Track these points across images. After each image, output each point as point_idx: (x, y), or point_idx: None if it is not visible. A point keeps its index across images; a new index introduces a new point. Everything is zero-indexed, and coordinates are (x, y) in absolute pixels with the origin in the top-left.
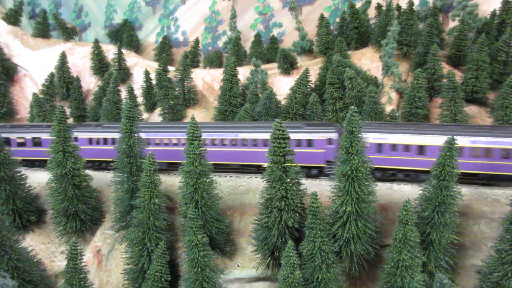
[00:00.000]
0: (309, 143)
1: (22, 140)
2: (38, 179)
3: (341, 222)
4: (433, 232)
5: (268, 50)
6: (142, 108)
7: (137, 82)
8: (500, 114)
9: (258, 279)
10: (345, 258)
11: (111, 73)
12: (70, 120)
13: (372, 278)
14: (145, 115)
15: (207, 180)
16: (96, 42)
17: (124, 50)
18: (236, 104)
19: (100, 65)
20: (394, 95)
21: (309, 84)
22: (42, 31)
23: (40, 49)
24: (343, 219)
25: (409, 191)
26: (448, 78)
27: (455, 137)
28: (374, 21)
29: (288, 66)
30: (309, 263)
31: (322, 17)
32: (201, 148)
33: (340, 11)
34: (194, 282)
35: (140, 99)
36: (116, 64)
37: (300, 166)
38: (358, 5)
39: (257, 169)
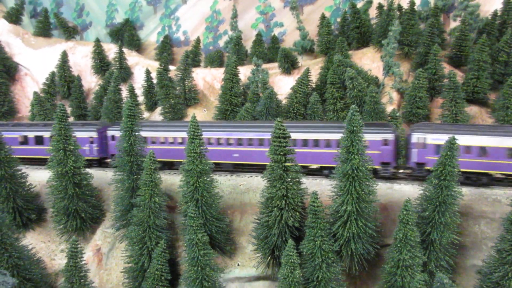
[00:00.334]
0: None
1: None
2: (38, 178)
3: (342, 221)
4: (433, 232)
5: (269, 49)
6: (143, 107)
7: (138, 82)
8: (501, 114)
9: (258, 278)
10: (346, 258)
11: (112, 72)
12: (71, 119)
13: (372, 277)
14: (146, 114)
15: (208, 179)
16: (97, 41)
17: (125, 50)
18: (237, 104)
19: (101, 64)
20: (395, 95)
21: (310, 83)
22: (43, 30)
23: (41, 48)
24: (343, 218)
25: (410, 191)
26: (449, 78)
27: None
28: (375, 21)
29: (289, 65)
30: (309, 262)
31: (323, 17)
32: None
33: (341, 11)
34: (194, 281)
35: (141, 98)
36: (117, 63)
37: None
38: (359, 5)
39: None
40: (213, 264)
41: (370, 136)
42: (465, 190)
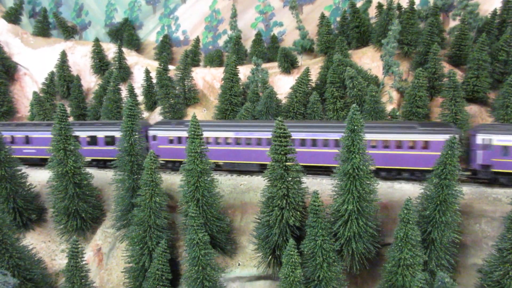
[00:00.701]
0: (425, 144)
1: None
2: (38, 178)
3: (343, 220)
4: (434, 231)
5: (269, 49)
6: (142, 107)
7: (138, 81)
8: (500, 113)
9: (259, 277)
10: (346, 257)
11: (112, 72)
12: (71, 119)
13: (373, 276)
14: (145, 114)
15: (208, 179)
16: (97, 41)
17: (124, 49)
18: (236, 103)
19: (100, 64)
20: (394, 94)
21: (309, 83)
22: (43, 30)
23: (40, 48)
24: (344, 217)
25: (410, 190)
26: (448, 77)
27: None
28: (374, 20)
29: (288, 65)
30: (310, 262)
31: (322, 16)
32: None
33: (340, 10)
34: (195, 280)
35: (140, 98)
36: (117, 63)
37: (412, 169)
38: (358, 4)
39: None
40: (214, 264)
41: (432, 137)
42: (465, 189)
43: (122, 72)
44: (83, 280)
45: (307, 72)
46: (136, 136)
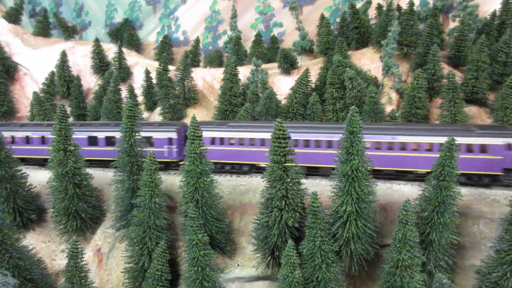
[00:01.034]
0: (483, 148)
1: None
2: (38, 178)
3: (341, 221)
4: (432, 232)
5: (269, 49)
6: (142, 107)
7: (138, 81)
8: (499, 114)
9: (258, 278)
10: (345, 258)
11: (112, 72)
12: (71, 119)
13: (371, 277)
14: (145, 114)
15: (208, 180)
16: (97, 41)
17: (124, 49)
18: (236, 104)
19: (100, 64)
20: (394, 96)
21: (309, 84)
22: (43, 30)
23: (40, 48)
24: (343, 218)
25: (409, 191)
26: (448, 78)
27: None
28: (374, 21)
29: (288, 66)
30: (309, 263)
31: (322, 17)
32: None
33: (340, 11)
34: (195, 281)
35: (140, 98)
36: (117, 63)
37: (468, 173)
38: (358, 5)
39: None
40: (213, 264)
41: (491, 140)
42: (464, 190)
43: (122, 72)
44: (82, 281)
45: (306, 73)
46: (136, 137)
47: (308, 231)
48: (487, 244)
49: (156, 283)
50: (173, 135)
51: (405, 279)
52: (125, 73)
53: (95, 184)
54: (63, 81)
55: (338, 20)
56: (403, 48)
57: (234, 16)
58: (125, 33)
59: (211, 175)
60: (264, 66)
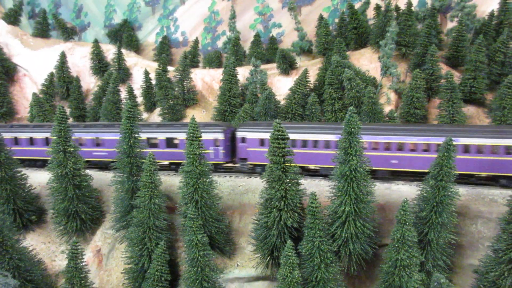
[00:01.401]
0: None
1: (156, 141)
2: (38, 179)
3: (340, 222)
4: (430, 232)
5: (268, 50)
6: (141, 108)
7: (137, 82)
8: (497, 114)
9: (257, 278)
10: (344, 258)
11: (111, 73)
12: (70, 120)
13: (370, 277)
14: (144, 115)
15: (207, 180)
16: (96, 42)
17: (123, 50)
18: (235, 104)
19: (99, 65)
20: (392, 96)
21: (308, 84)
22: (42, 31)
23: (39, 49)
24: (341, 219)
25: (407, 191)
26: (446, 78)
27: None
28: (373, 21)
29: (287, 66)
30: (308, 263)
31: (321, 18)
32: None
33: (339, 11)
34: (194, 281)
35: (139, 99)
36: (116, 64)
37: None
38: (357, 5)
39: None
40: (213, 265)
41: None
42: (462, 190)
43: (121, 73)
44: (82, 281)
45: (305, 73)
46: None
47: (307, 231)
48: (485, 243)
49: (155, 284)
50: (220, 136)
51: (404, 279)
52: (124, 74)
53: (95, 185)
54: (62, 82)
55: (336, 20)
56: (401, 48)
57: (233, 16)
58: (124, 34)
59: (210, 176)
60: (263, 66)
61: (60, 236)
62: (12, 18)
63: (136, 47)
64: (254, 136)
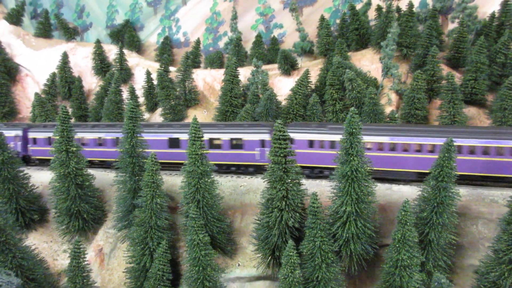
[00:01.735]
0: None
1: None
2: (41, 179)
3: (341, 222)
4: (431, 232)
5: (269, 51)
6: (143, 108)
7: (139, 82)
8: (498, 115)
9: (258, 278)
10: (345, 258)
11: (113, 73)
12: (72, 120)
13: (371, 277)
14: (146, 115)
15: (209, 180)
16: (98, 42)
17: (125, 51)
18: (237, 105)
19: (101, 65)
20: (393, 97)
21: (309, 85)
22: (44, 31)
23: (42, 49)
24: (343, 219)
25: (408, 192)
26: (447, 79)
27: None
28: (374, 22)
29: (288, 67)
30: (309, 263)
31: (322, 19)
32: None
33: (340, 12)
34: (196, 280)
35: (141, 99)
36: (118, 64)
37: None
38: (358, 6)
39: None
40: (214, 264)
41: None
42: (462, 191)
43: (123, 73)
44: (85, 280)
45: (306, 74)
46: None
47: (308, 231)
48: (485, 244)
49: (157, 283)
50: (266, 137)
51: (404, 279)
52: (126, 74)
53: (97, 185)
54: (64, 82)
55: (338, 21)
56: (402, 49)
57: (234, 17)
58: (126, 34)
59: (212, 176)
60: (264, 67)
61: (62, 235)
62: (15, 18)
63: (138, 47)
64: (303, 138)
